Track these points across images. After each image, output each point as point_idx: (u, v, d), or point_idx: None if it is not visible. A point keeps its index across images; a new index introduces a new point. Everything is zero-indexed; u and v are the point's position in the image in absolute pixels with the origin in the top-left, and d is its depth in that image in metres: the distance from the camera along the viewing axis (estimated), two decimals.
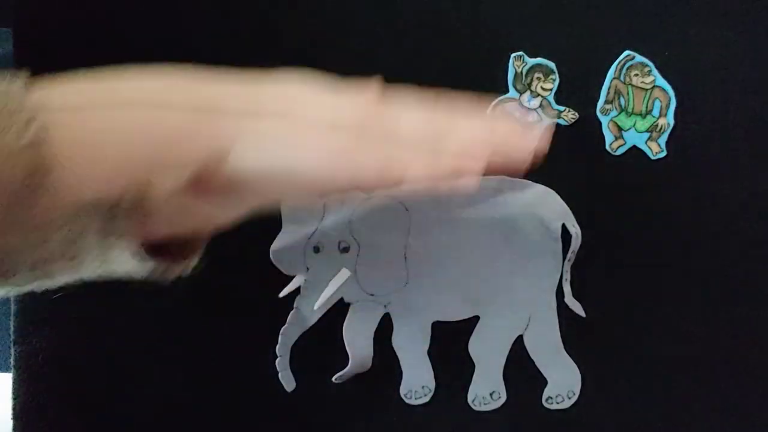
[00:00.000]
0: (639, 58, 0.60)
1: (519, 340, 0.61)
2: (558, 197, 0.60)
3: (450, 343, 0.61)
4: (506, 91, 0.61)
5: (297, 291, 0.61)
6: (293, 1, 0.62)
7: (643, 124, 0.60)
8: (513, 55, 0.60)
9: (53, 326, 0.63)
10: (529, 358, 0.60)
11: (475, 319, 0.61)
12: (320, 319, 0.61)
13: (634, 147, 0.60)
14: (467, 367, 0.61)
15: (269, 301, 0.62)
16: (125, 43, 0.63)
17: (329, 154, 0.38)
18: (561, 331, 0.60)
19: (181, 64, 0.47)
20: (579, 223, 0.60)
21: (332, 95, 0.40)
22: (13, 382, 0.63)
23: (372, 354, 0.61)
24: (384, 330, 0.61)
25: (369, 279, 0.60)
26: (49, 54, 0.63)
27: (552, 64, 0.60)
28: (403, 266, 0.60)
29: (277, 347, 0.61)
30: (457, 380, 0.61)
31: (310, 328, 0.61)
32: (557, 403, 0.60)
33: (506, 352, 0.60)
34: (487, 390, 0.60)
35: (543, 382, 0.60)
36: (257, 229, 0.61)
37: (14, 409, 0.64)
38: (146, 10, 0.63)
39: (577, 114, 0.60)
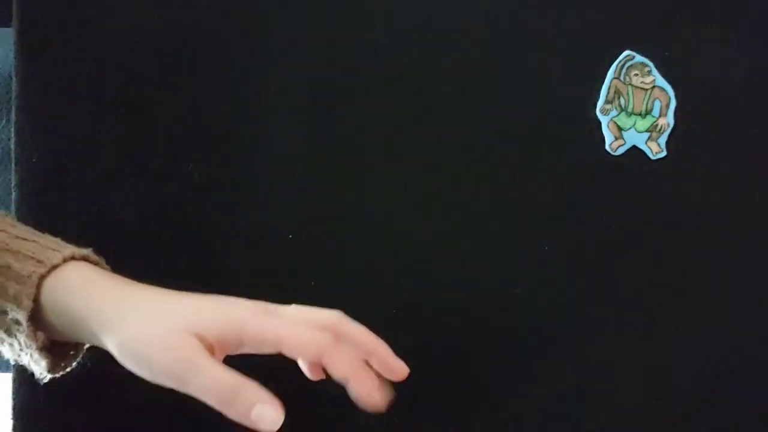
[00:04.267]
0: (639, 58, 0.60)
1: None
2: None
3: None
4: (499, 89, 0.61)
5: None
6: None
7: (643, 124, 0.60)
8: None
9: None
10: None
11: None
12: None
13: (634, 147, 0.60)
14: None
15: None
16: (125, 43, 0.63)
17: None
18: (561, 331, 0.60)
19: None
20: (579, 222, 0.60)
21: None
22: (13, 382, 0.64)
23: None
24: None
25: None
26: (50, 54, 0.63)
27: None
28: None
29: None
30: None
31: None
32: None
33: None
34: None
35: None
36: (257, 229, 0.61)
37: (14, 409, 0.64)
38: (146, 9, 0.63)
39: None
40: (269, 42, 0.62)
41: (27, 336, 0.49)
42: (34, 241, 0.52)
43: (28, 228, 0.53)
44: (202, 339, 0.45)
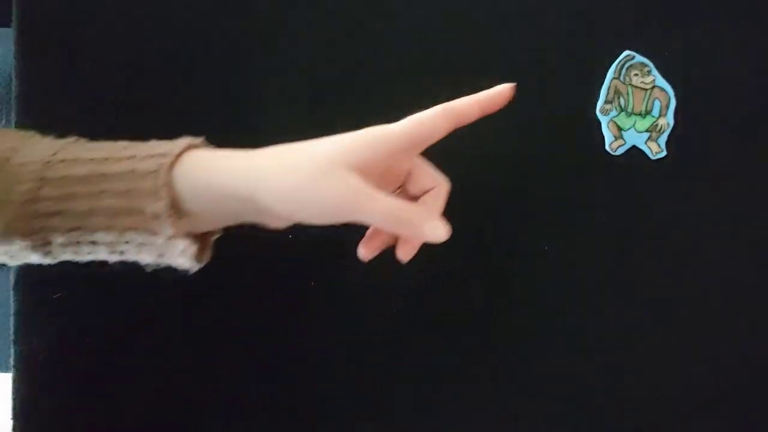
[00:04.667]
0: (639, 58, 0.60)
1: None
2: None
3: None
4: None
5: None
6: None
7: (643, 124, 0.60)
8: None
9: (53, 326, 0.63)
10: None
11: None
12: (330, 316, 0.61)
13: (634, 147, 0.60)
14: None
15: (266, 305, 0.62)
16: (125, 42, 0.63)
17: None
18: (561, 330, 0.60)
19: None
20: (579, 222, 0.60)
21: None
22: (13, 382, 0.64)
23: None
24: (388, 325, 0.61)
25: None
26: (50, 54, 0.63)
27: None
28: None
29: None
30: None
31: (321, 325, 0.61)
32: None
33: None
34: None
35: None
36: (256, 228, 0.61)
37: (14, 409, 0.64)
38: (146, 9, 0.63)
39: None
40: (269, 42, 0.62)
41: (170, 226, 0.50)
42: (144, 145, 0.53)
43: (125, 141, 0.54)
44: (356, 170, 0.48)
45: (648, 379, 0.60)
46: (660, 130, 0.60)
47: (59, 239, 0.52)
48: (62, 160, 0.52)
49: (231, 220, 0.53)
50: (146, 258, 0.53)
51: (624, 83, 0.60)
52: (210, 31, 0.63)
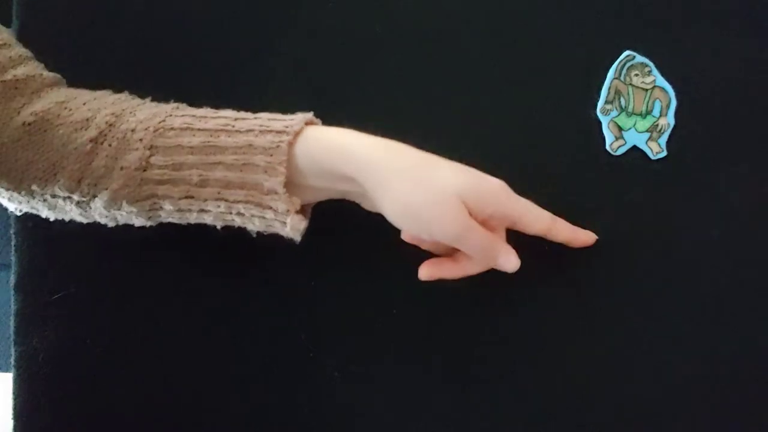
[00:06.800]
0: (639, 58, 0.60)
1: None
2: None
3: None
4: (499, 88, 0.61)
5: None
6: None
7: (644, 124, 0.60)
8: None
9: (53, 326, 0.63)
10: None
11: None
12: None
13: (634, 147, 0.60)
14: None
15: (266, 305, 0.62)
16: (125, 42, 0.63)
17: None
18: (561, 330, 0.60)
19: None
20: (579, 223, 0.60)
21: None
22: (13, 382, 0.64)
23: None
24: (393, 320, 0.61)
25: None
26: (50, 54, 0.63)
27: None
28: None
29: None
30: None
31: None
32: None
33: None
34: None
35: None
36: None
37: (14, 409, 0.64)
38: (146, 9, 0.63)
39: None
40: (270, 42, 0.62)
41: (284, 202, 0.51)
42: (256, 117, 0.53)
43: (230, 110, 0.55)
44: (465, 205, 0.51)
45: (648, 379, 0.60)
46: (660, 130, 0.60)
47: (168, 206, 0.52)
48: (172, 128, 0.52)
49: (333, 196, 0.55)
50: (253, 228, 0.54)
51: (624, 83, 0.60)
52: (211, 32, 0.63)
